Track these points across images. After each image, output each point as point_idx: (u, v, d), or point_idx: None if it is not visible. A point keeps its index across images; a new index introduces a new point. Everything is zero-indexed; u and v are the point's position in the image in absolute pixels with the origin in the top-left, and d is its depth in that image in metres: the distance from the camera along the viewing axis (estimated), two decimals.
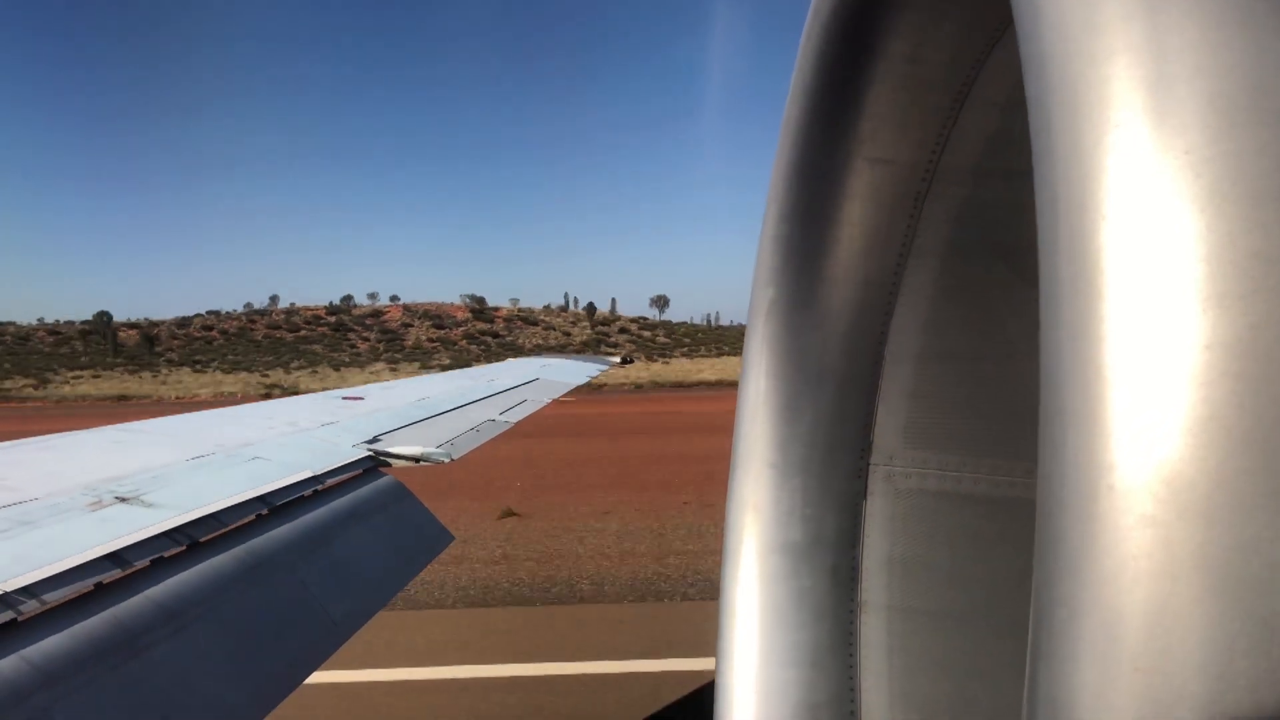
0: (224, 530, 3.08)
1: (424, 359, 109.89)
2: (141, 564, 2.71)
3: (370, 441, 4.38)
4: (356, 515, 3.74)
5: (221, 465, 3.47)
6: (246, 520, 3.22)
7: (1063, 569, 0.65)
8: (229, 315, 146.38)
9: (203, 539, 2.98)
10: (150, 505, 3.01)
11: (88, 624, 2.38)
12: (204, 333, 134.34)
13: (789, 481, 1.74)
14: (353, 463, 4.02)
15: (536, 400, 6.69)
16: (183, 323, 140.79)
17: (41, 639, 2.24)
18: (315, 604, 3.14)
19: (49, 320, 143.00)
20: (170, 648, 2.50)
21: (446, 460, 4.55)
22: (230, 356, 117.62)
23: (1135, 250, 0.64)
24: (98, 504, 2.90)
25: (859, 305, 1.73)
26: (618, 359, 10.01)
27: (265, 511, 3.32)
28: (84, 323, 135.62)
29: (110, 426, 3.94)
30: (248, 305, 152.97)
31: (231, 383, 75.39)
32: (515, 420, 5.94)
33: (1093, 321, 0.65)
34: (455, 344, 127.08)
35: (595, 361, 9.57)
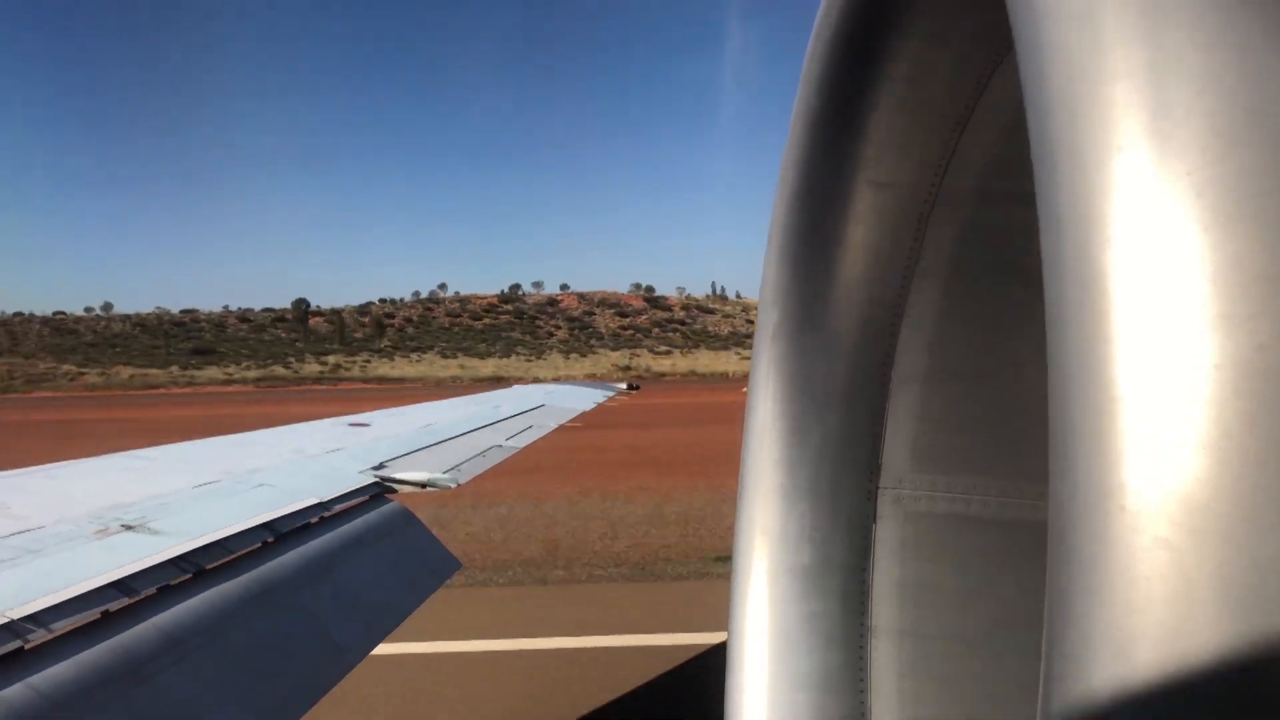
0: (230, 558, 3.07)
1: (624, 345, 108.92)
2: (148, 592, 2.70)
3: (376, 468, 4.38)
4: (362, 542, 3.73)
5: (228, 492, 3.46)
6: (253, 548, 3.21)
7: (1076, 592, 0.64)
8: (404, 303, 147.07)
9: (209, 566, 2.97)
10: (156, 533, 3.01)
11: (94, 652, 2.37)
12: (388, 320, 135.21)
13: (797, 505, 1.73)
14: (359, 489, 4.02)
15: (542, 426, 6.69)
16: (363, 310, 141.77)
17: (48, 667, 2.23)
18: (321, 631, 3.13)
19: (234, 307, 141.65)
20: (176, 675, 2.49)
21: (453, 486, 4.55)
22: (439, 344, 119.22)
23: (1141, 272, 0.64)
24: (104, 531, 2.90)
25: (864, 327, 1.73)
26: (624, 385, 9.99)
27: (271, 539, 3.31)
28: (279, 310, 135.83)
29: (119, 454, 3.94)
30: (415, 293, 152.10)
31: (452, 368, 77.11)
32: (521, 446, 5.94)
33: (1100, 344, 0.65)
34: (648, 331, 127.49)
35: (602, 388, 9.57)
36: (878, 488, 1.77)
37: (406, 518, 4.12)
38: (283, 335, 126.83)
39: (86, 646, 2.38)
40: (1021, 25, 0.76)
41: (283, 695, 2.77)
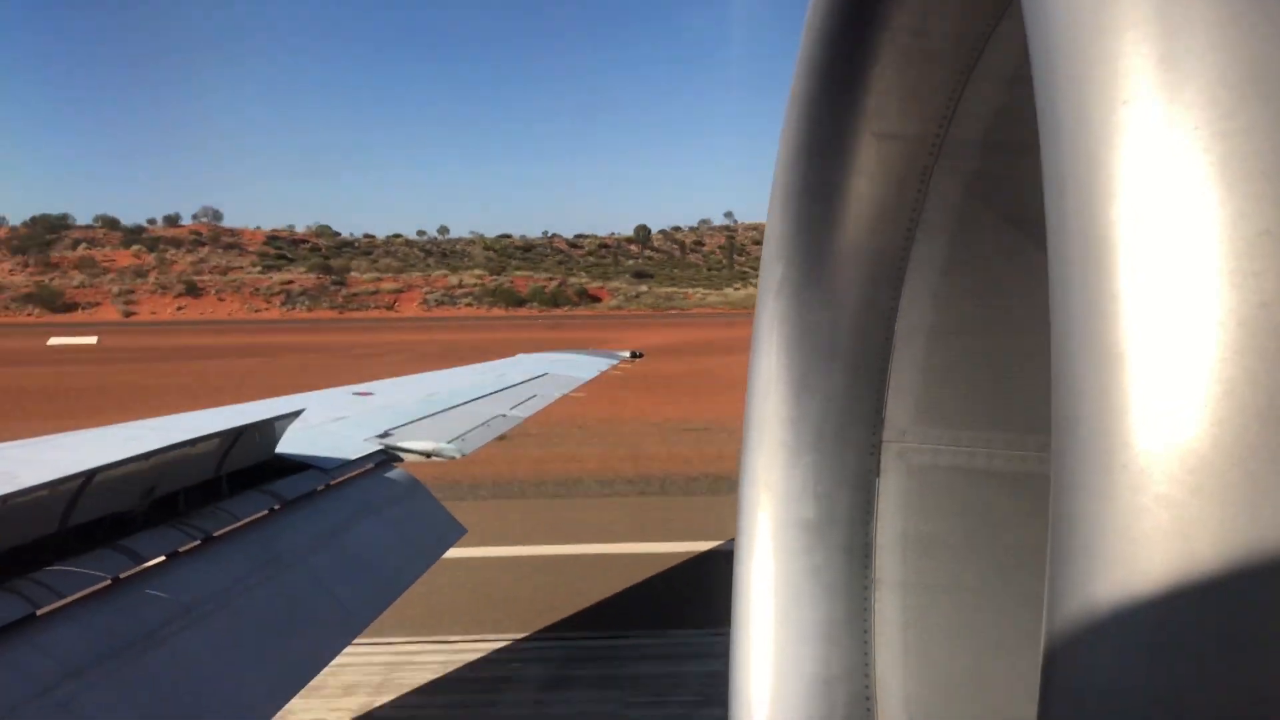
0: (237, 524, 3.10)
1: None
2: (158, 559, 2.73)
3: (382, 436, 4.39)
4: (368, 509, 3.75)
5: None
6: (259, 515, 3.23)
7: (1078, 548, 0.64)
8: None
9: (216, 533, 2.99)
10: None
11: (106, 618, 2.40)
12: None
13: (801, 459, 1.74)
14: (364, 457, 4.03)
15: (546, 395, 6.70)
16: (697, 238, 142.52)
17: (62, 634, 2.25)
18: (329, 596, 3.16)
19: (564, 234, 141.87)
20: (188, 640, 2.51)
21: (458, 456, 4.56)
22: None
23: (1144, 228, 0.63)
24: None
25: (869, 280, 1.72)
26: (627, 354, 9.99)
27: (277, 506, 3.33)
28: (625, 236, 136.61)
29: (120, 425, 3.96)
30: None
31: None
32: (525, 415, 5.95)
33: (1104, 299, 0.64)
34: None
35: (605, 356, 9.57)
36: (881, 441, 1.78)
37: (412, 485, 4.14)
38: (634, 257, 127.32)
39: (99, 613, 2.40)
40: None
41: (292, 658, 2.80)
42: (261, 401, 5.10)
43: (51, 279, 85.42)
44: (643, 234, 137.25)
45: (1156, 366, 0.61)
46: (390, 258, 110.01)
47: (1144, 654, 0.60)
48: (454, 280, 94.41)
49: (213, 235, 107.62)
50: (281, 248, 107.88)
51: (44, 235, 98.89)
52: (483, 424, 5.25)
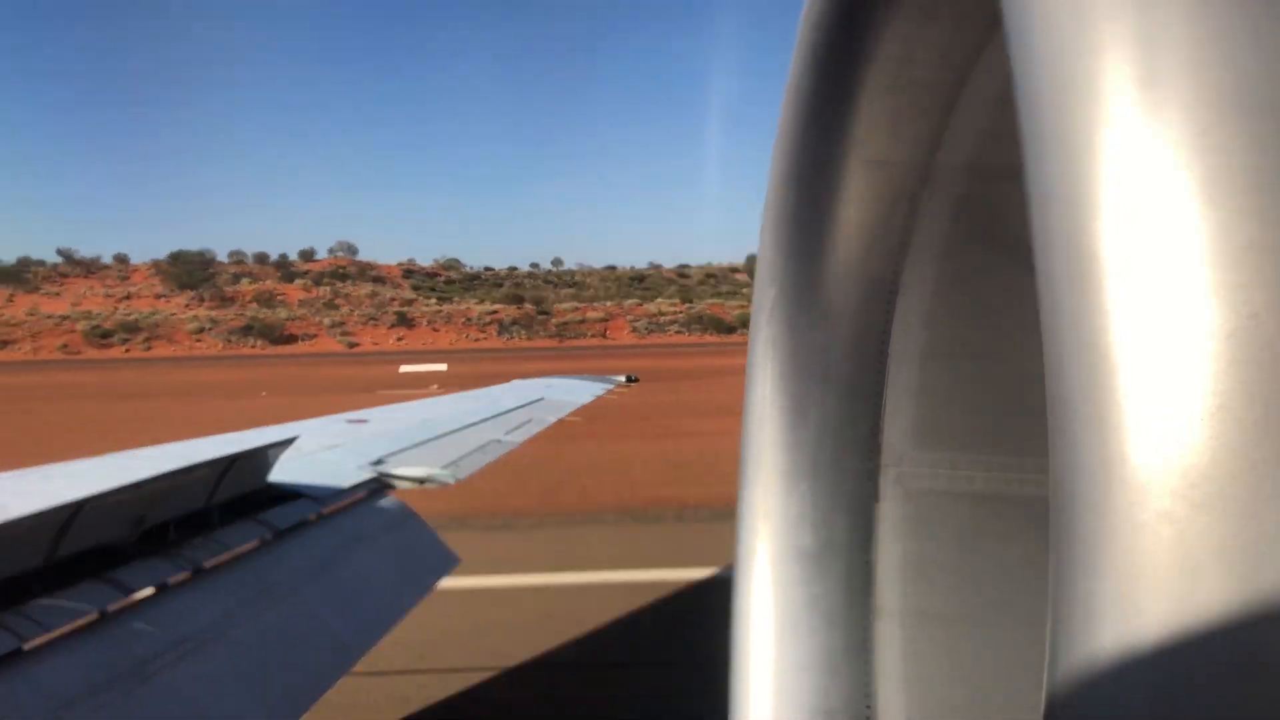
0: (229, 555, 3.06)
1: None
2: (146, 591, 2.70)
3: (375, 463, 4.37)
4: (362, 538, 3.72)
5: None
6: (251, 545, 3.20)
7: (1079, 567, 0.64)
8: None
9: (207, 564, 2.96)
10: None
11: (94, 652, 2.37)
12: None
13: (798, 486, 1.72)
14: (357, 485, 4.00)
15: (541, 420, 6.68)
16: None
17: (53, 666, 2.22)
18: (322, 627, 3.12)
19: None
20: (177, 674, 2.48)
21: (451, 481, 4.54)
22: None
23: (1131, 244, 0.64)
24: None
25: (861, 304, 1.72)
26: (623, 378, 9.98)
27: (269, 536, 3.30)
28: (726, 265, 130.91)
29: (116, 454, 3.93)
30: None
31: None
32: (520, 441, 5.93)
33: (1094, 317, 0.64)
34: None
35: (601, 381, 9.55)
36: (878, 466, 1.76)
37: (405, 513, 4.11)
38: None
39: (91, 645, 2.37)
40: (1007, 2, 0.75)
41: (286, 691, 2.76)
42: (254, 430, 5.07)
43: (236, 312, 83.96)
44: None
45: (1150, 381, 0.61)
46: (514, 286, 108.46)
47: (1152, 676, 0.59)
48: (652, 309, 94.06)
49: (358, 270, 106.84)
50: (418, 280, 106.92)
51: (199, 270, 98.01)
52: (477, 449, 5.23)
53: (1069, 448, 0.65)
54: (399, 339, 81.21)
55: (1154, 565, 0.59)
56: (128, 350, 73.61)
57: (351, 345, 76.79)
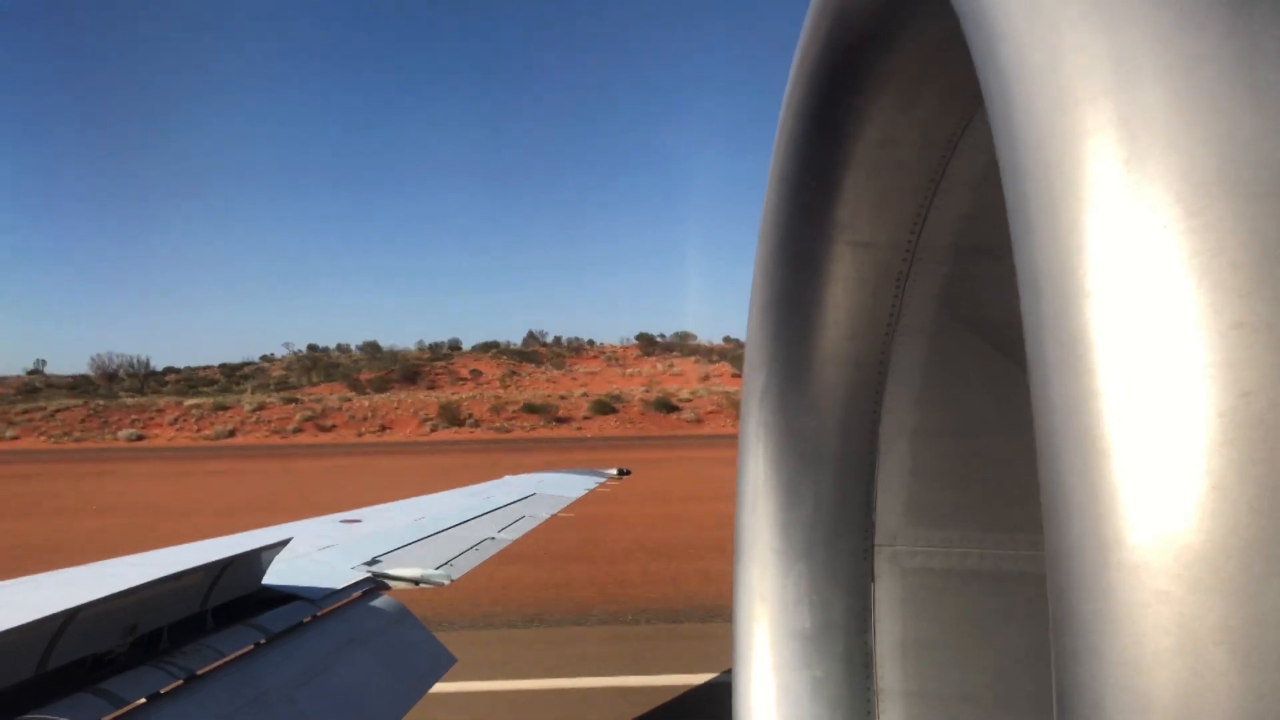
0: (222, 661, 3.01)
1: None
2: (139, 702, 2.64)
3: (369, 563, 4.32)
4: (356, 640, 3.66)
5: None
6: (245, 650, 3.14)
7: (1081, 650, 0.63)
8: None
9: (200, 671, 2.91)
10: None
11: None
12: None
13: (794, 567, 1.73)
14: (351, 585, 3.96)
15: (535, 516, 6.63)
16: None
17: None
18: None
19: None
20: None
21: (446, 582, 4.48)
22: None
23: (1120, 325, 0.65)
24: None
25: (851, 386, 1.75)
26: (614, 471, 9.92)
27: (263, 640, 3.24)
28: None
29: (108, 561, 3.88)
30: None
31: None
32: (513, 538, 5.87)
33: (1086, 399, 0.65)
34: None
35: (592, 475, 9.50)
36: (873, 546, 1.77)
37: (400, 614, 4.05)
38: None
39: None
40: (991, 85, 0.77)
41: None
42: (248, 533, 5.02)
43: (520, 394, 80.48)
44: None
45: (1143, 462, 0.62)
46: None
47: None
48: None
49: (573, 348, 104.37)
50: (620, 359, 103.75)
51: (445, 357, 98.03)
52: (472, 548, 5.18)
53: (1064, 528, 0.65)
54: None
55: (1156, 648, 0.59)
56: None
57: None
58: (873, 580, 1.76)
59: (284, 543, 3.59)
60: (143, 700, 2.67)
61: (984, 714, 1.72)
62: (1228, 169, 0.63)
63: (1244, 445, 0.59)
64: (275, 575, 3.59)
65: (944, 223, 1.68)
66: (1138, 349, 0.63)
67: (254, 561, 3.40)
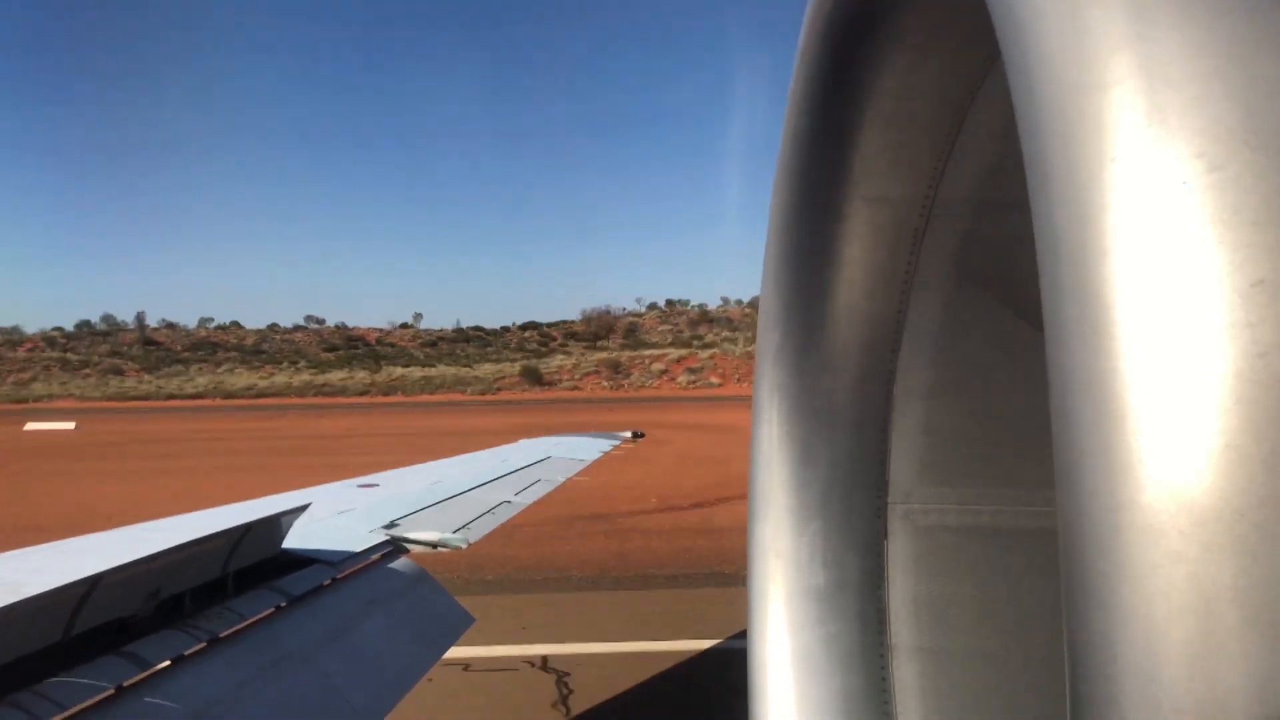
0: (244, 624, 3.05)
1: None
2: (163, 664, 2.68)
3: (388, 527, 4.36)
4: (376, 602, 3.70)
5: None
6: (266, 613, 3.19)
7: (1094, 609, 0.63)
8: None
9: (222, 634, 2.95)
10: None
11: None
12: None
13: (808, 526, 1.73)
14: (370, 549, 4.00)
15: (550, 480, 6.66)
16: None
17: None
18: (338, 694, 3.09)
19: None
20: None
21: (464, 545, 4.52)
22: None
23: (1139, 283, 0.64)
24: None
25: (866, 344, 1.74)
26: (629, 434, 9.97)
27: (284, 603, 3.29)
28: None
29: (132, 526, 3.93)
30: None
31: None
32: (530, 501, 5.91)
33: (1101, 357, 0.64)
34: None
35: (607, 438, 9.54)
36: (887, 504, 1.77)
37: (419, 576, 4.09)
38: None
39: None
40: (1008, 38, 0.75)
41: None
42: (268, 498, 5.08)
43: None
44: None
45: (1158, 421, 0.61)
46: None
47: (1170, 716, 0.59)
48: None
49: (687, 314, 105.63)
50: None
51: (606, 325, 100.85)
52: (488, 511, 5.21)
53: (1077, 487, 0.65)
54: None
55: (1168, 607, 0.59)
56: None
57: None
58: (886, 538, 1.77)
59: (303, 508, 3.63)
60: (167, 662, 2.71)
61: (997, 670, 1.72)
62: (1252, 122, 0.61)
63: (1259, 405, 0.58)
64: (295, 539, 3.63)
65: (962, 177, 1.65)
66: (1155, 307, 0.62)
67: (274, 526, 3.44)
